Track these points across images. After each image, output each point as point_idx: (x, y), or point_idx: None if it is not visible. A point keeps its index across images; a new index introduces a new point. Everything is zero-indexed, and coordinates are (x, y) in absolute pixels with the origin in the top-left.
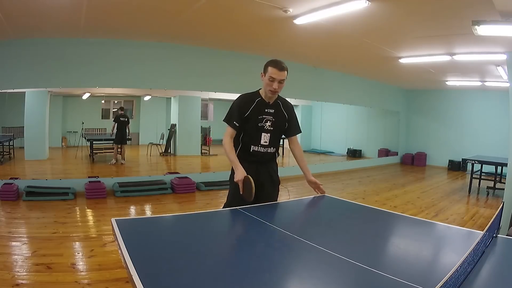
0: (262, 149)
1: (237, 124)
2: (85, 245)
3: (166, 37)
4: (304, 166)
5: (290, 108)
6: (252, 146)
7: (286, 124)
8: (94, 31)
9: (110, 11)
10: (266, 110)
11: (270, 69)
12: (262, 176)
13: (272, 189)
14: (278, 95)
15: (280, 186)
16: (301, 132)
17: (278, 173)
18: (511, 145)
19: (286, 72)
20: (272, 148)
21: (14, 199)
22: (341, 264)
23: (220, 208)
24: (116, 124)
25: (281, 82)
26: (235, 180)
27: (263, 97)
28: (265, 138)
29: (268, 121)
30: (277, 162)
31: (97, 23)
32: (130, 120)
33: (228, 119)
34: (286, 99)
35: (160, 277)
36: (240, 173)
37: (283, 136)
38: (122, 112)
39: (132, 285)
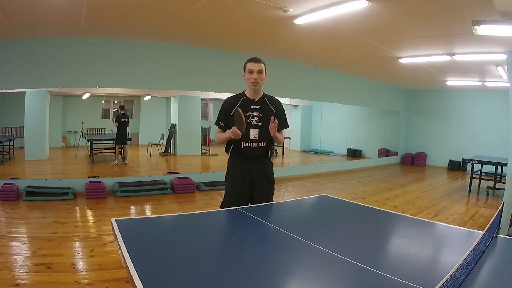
0: (252, 144)
1: (223, 124)
2: (85, 245)
3: (166, 37)
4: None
5: (277, 103)
6: (242, 143)
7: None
8: (94, 31)
9: (110, 11)
10: (252, 107)
11: (247, 64)
12: (255, 173)
13: (267, 186)
14: (264, 92)
15: (275, 186)
16: (288, 127)
17: (274, 172)
18: (511, 145)
19: (263, 64)
20: (263, 142)
21: (14, 199)
22: (341, 264)
23: (220, 208)
24: (118, 124)
25: (259, 72)
26: (230, 132)
27: (248, 95)
28: (254, 133)
29: (255, 117)
30: (271, 160)
31: (97, 23)
32: (130, 120)
33: (216, 121)
34: (274, 96)
35: (160, 277)
36: (230, 129)
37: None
38: (123, 112)
39: (132, 285)
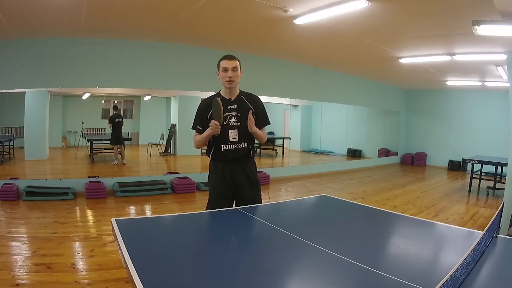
0: (232, 146)
1: (200, 128)
2: (85, 245)
3: (166, 37)
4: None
5: (255, 100)
6: (222, 146)
7: (254, 116)
8: (94, 31)
9: (110, 11)
10: (228, 107)
11: (221, 62)
12: (238, 175)
13: (250, 189)
14: (241, 90)
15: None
16: (269, 123)
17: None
18: (511, 145)
19: (237, 61)
20: (243, 143)
21: (14, 199)
22: (341, 264)
23: (220, 208)
24: (112, 125)
25: (234, 69)
26: (210, 128)
27: (224, 95)
28: (233, 134)
29: (233, 117)
30: (255, 161)
31: (97, 23)
32: (123, 120)
33: (193, 125)
34: (251, 92)
35: (160, 277)
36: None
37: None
38: (116, 112)
39: (132, 285)
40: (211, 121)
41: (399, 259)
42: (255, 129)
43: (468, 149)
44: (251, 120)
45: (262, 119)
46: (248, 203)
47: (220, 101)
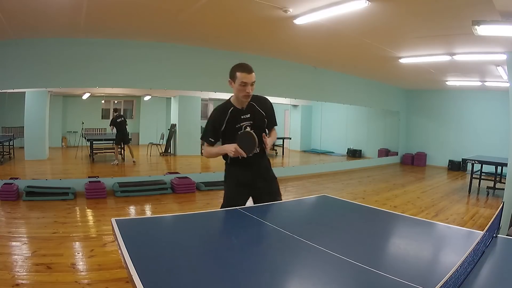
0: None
1: (212, 140)
2: (85, 245)
3: (166, 37)
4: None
5: (265, 103)
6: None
7: (266, 120)
8: (94, 31)
9: (110, 11)
10: (242, 117)
11: (239, 74)
12: (254, 178)
13: (267, 187)
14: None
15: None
16: (276, 125)
17: (274, 172)
18: (511, 145)
19: (254, 73)
20: (257, 148)
21: (14, 199)
22: (341, 264)
23: (220, 208)
24: (115, 126)
25: (252, 84)
26: (230, 151)
27: (236, 105)
28: None
29: (248, 127)
30: (268, 159)
31: (97, 23)
32: (126, 119)
33: (203, 136)
34: (258, 94)
35: (160, 277)
36: (230, 145)
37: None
38: (117, 113)
39: (132, 285)
40: (235, 147)
41: (399, 259)
42: (271, 143)
43: (468, 149)
44: (267, 144)
45: (272, 121)
46: (268, 200)
47: (255, 135)
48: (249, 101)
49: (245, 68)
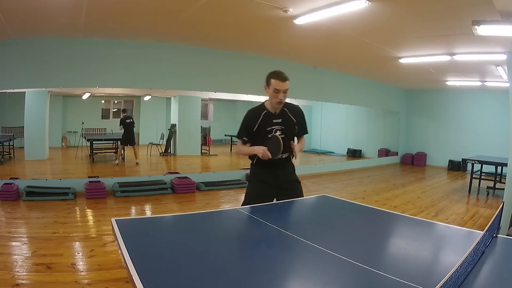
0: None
1: (246, 139)
2: (85, 245)
3: (166, 37)
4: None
5: (297, 111)
6: None
7: (296, 128)
8: (94, 31)
9: (110, 11)
10: (274, 121)
11: (273, 81)
12: (278, 180)
13: (290, 189)
14: (285, 102)
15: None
16: (307, 133)
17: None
18: (511, 145)
19: (288, 81)
20: (285, 153)
21: (14, 199)
22: (341, 264)
23: (220, 208)
24: (123, 127)
25: (285, 92)
26: (259, 152)
27: (269, 109)
28: None
29: (278, 131)
30: (292, 163)
31: (97, 23)
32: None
33: (239, 134)
34: (292, 103)
35: (160, 277)
36: (259, 147)
37: None
38: (126, 113)
39: (132, 285)
40: (263, 149)
41: (399, 259)
42: (299, 150)
43: (468, 149)
44: (295, 151)
45: (302, 130)
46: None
47: (280, 139)
48: (282, 107)
49: (279, 76)
